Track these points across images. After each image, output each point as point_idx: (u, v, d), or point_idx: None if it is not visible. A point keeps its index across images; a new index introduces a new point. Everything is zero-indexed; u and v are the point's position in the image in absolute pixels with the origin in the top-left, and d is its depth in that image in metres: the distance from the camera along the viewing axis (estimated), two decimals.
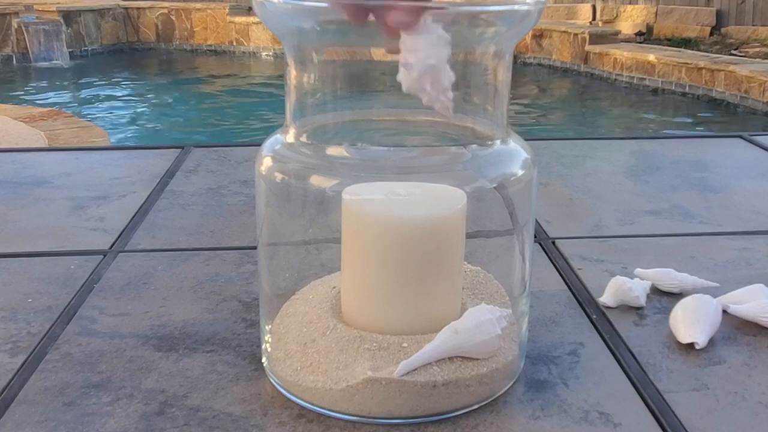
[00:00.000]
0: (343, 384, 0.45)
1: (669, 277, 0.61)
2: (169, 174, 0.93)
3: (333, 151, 0.47)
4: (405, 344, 0.46)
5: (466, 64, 0.46)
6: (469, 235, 0.48)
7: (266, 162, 0.48)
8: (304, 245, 0.53)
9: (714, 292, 0.60)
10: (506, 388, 0.48)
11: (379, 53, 0.45)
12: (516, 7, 0.43)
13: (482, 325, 0.46)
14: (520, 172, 0.48)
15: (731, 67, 4.80)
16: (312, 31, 0.44)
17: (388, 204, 0.46)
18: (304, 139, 0.48)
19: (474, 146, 0.48)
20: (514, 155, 0.48)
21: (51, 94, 5.70)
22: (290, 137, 0.48)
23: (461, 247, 0.48)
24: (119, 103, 5.41)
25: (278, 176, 0.47)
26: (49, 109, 4.41)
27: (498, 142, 0.48)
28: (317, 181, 0.46)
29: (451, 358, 0.45)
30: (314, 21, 0.44)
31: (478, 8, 0.43)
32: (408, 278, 0.46)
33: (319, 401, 0.46)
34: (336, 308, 0.49)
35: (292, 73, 0.46)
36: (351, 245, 0.47)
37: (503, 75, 0.47)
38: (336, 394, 0.45)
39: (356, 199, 0.46)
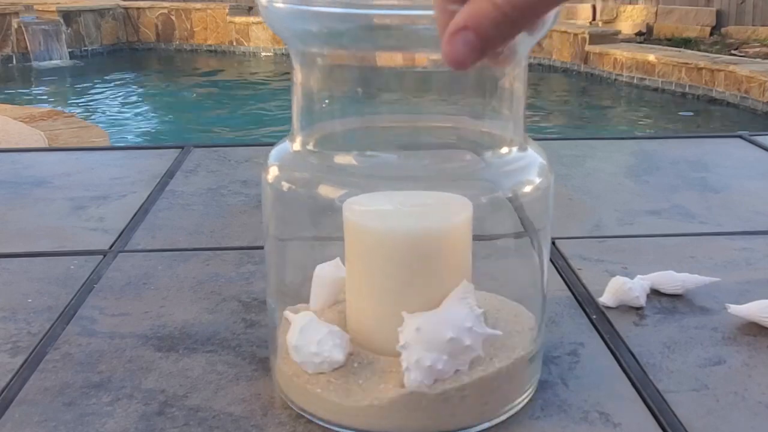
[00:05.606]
0: (352, 402, 0.44)
1: (671, 279, 0.60)
2: (169, 174, 0.93)
3: (341, 159, 0.46)
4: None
5: (482, 70, 0.44)
6: (484, 244, 0.47)
7: (273, 171, 0.47)
8: (311, 255, 0.51)
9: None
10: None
11: (387, 58, 0.43)
12: None
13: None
14: (537, 180, 0.46)
15: (731, 67, 4.80)
16: (319, 34, 0.43)
17: (387, 216, 0.44)
18: (311, 147, 0.46)
19: (489, 153, 0.47)
20: (531, 162, 0.47)
21: (51, 94, 5.70)
22: (297, 145, 0.46)
23: (468, 258, 0.46)
24: (119, 103, 5.41)
25: (285, 185, 0.46)
26: (49, 109, 4.42)
27: (515, 149, 0.46)
28: (325, 190, 0.45)
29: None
30: (320, 24, 0.42)
31: None
32: (411, 293, 0.44)
33: (328, 416, 0.45)
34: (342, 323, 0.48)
35: (299, 79, 0.45)
36: (353, 260, 0.46)
37: (519, 80, 0.46)
38: (347, 410, 0.44)
39: (357, 210, 0.44)
